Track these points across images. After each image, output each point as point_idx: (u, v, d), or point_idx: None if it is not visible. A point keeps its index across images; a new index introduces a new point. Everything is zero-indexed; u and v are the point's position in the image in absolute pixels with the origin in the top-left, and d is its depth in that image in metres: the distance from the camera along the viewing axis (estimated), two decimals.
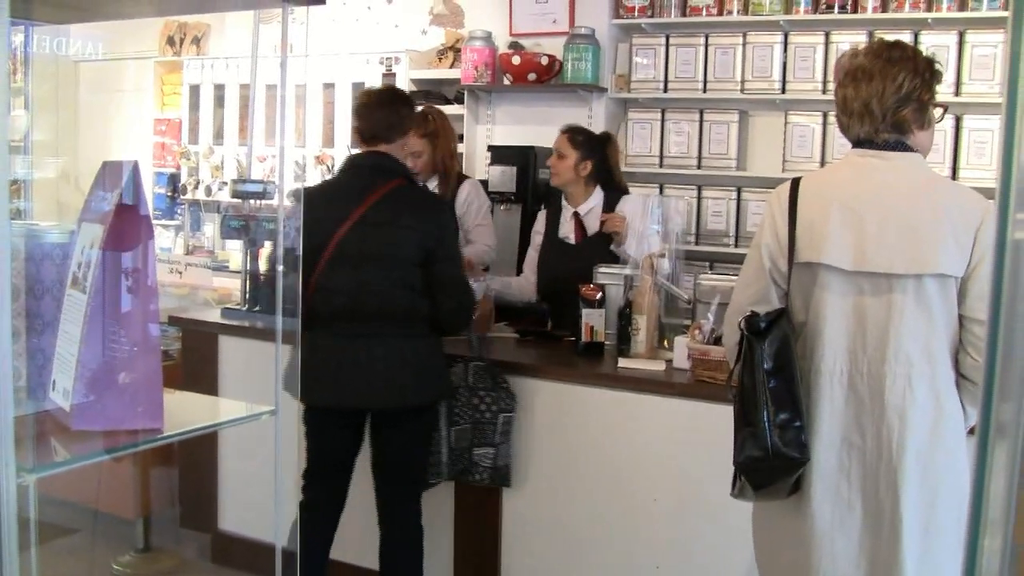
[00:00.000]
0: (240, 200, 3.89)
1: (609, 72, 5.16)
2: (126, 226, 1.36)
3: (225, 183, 5.97)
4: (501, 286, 3.99)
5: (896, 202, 2.13)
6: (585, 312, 3.41)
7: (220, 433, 3.53)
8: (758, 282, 2.25)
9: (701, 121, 4.99)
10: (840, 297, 2.15)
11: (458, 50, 5.45)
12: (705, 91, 4.96)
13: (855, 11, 4.67)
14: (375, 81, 5.34)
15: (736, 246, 4.87)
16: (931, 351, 2.11)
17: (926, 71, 2.16)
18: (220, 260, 5.83)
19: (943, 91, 2.74)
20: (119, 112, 6.71)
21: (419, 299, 3.00)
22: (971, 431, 2.18)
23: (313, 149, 5.76)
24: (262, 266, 3.87)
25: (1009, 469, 0.79)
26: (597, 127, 4.77)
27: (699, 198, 4.99)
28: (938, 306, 2.11)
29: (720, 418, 2.59)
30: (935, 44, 4.36)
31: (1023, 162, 0.78)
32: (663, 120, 5.06)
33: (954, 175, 4.43)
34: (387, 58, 5.55)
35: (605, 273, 3.60)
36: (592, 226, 3.92)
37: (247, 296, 4.00)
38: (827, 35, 4.68)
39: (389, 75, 5.50)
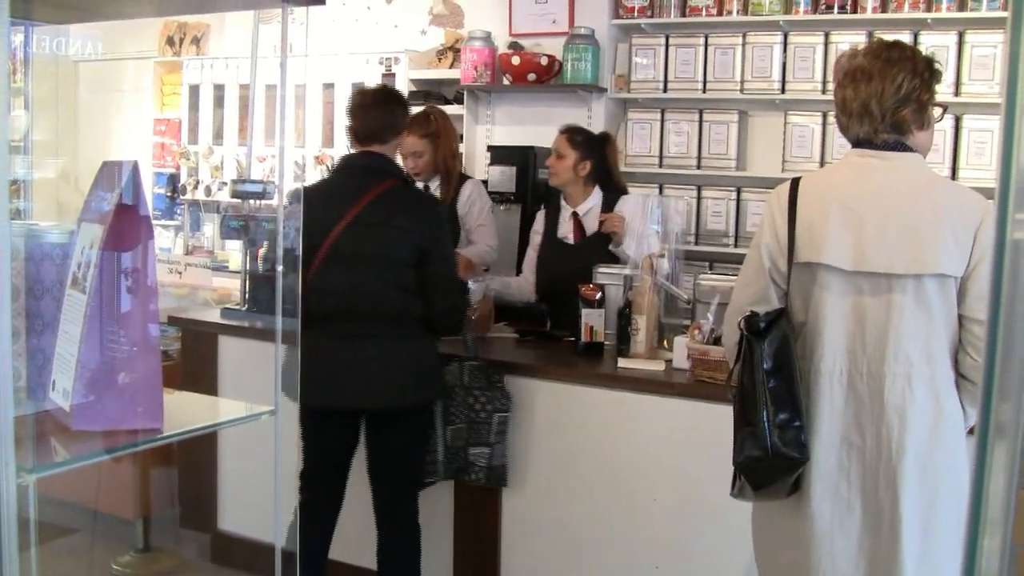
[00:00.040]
0: (240, 200, 3.89)
1: (609, 72, 5.16)
2: (126, 226, 1.36)
3: (225, 183, 5.97)
4: (501, 286, 3.99)
5: (896, 202, 2.13)
6: (585, 312, 3.41)
7: (220, 433, 3.53)
8: (757, 282, 2.25)
9: (701, 121, 4.99)
10: (840, 297, 2.15)
11: (458, 50, 5.45)
12: (705, 91, 4.96)
13: (855, 11, 4.67)
14: (375, 81, 5.34)
15: (736, 246, 4.87)
16: (931, 351, 2.11)
17: (925, 71, 2.17)
18: (220, 260, 5.83)
19: (942, 91, 2.74)
20: (119, 112, 6.71)
21: (412, 300, 3.00)
22: (971, 431, 2.18)
23: (313, 149, 5.77)
24: (252, 264, 3.87)
25: (1008, 469, 0.79)
26: (597, 127, 4.77)
27: (699, 198, 4.99)
28: (938, 306, 2.11)
29: (720, 418, 2.59)
30: (934, 44, 4.36)
31: (1022, 162, 0.78)
32: (663, 120, 5.06)
33: (954, 175, 4.43)
34: (386, 58, 5.55)
35: (605, 273, 3.61)
36: (591, 226, 3.92)
37: (247, 296, 4.00)
38: (827, 35, 4.68)
39: (389, 75, 5.50)
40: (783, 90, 4.78)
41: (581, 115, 5.05)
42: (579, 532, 3.27)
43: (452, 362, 3.26)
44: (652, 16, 5.06)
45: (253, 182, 3.90)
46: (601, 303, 3.44)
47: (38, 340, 1.46)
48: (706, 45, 4.93)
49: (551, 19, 5.23)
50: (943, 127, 4.32)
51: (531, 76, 5.11)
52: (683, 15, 5.00)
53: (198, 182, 6.22)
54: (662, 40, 5.01)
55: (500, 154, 5.01)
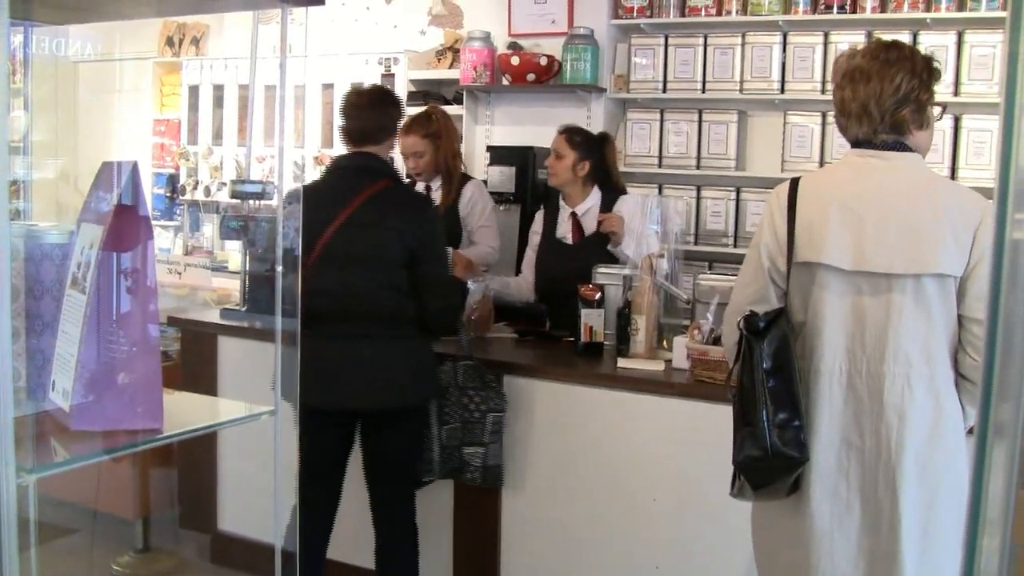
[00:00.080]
0: (239, 200, 3.89)
1: (608, 72, 5.16)
2: (125, 227, 1.36)
3: (224, 184, 5.98)
4: (500, 286, 3.99)
5: (895, 202, 2.13)
6: (584, 312, 3.41)
7: (219, 433, 3.53)
8: (757, 282, 2.25)
9: (700, 121, 4.99)
10: (839, 297, 2.15)
11: (457, 50, 5.45)
12: (704, 91, 4.96)
13: (854, 11, 4.67)
14: (375, 82, 5.34)
15: (735, 246, 4.88)
16: (930, 351, 2.11)
17: (924, 71, 2.17)
18: (219, 261, 5.84)
19: (942, 91, 2.74)
20: (118, 113, 6.71)
21: (405, 300, 3.00)
22: (970, 431, 2.18)
23: (312, 149, 5.77)
24: (252, 265, 3.87)
25: (1008, 469, 0.79)
26: (596, 127, 4.77)
27: (698, 198, 4.99)
28: (937, 306, 2.11)
29: (719, 418, 2.59)
30: (934, 44, 4.36)
31: (1022, 162, 0.78)
32: (662, 120, 5.06)
33: (953, 175, 4.43)
34: (386, 58, 5.55)
35: (604, 273, 3.61)
36: (589, 226, 3.92)
37: (246, 296, 4.00)
38: (826, 35, 4.68)
39: (388, 75, 5.50)
40: (782, 90, 4.79)
41: (580, 115, 5.05)
42: (579, 532, 3.27)
43: (446, 362, 3.26)
44: (651, 16, 5.07)
45: (252, 182, 3.90)
46: (601, 303, 3.44)
47: (38, 340, 1.46)
48: (705, 45, 4.93)
49: (550, 19, 5.23)
50: (942, 127, 4.32)
51: (530, 76, 5.11)
52: (682, 15, 5.00)
53: (197, 182, 6.22)
54: (661, 40, 5.01)
55: (499, 154, 5.01)
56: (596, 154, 3.94)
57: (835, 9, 4.68)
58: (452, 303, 3.16)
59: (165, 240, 6.46)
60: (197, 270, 4.50)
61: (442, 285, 3.09)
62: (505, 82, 5.23)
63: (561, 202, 4.01)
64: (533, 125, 5.21)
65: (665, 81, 5.01)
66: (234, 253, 5.68)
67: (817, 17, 4.73)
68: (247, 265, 3.93)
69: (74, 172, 4.40)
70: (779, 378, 2.12)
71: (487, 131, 5.44)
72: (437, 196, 4.16)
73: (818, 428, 2.14)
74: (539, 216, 4.14)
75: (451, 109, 5.13)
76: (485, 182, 4.65)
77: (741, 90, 4.87)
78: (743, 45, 4.84)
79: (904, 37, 4.29)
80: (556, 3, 5.21)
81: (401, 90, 5.46)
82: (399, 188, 3.18)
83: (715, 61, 4.91)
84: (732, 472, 2.21)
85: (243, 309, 4.00)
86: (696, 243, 4.95)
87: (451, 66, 5.50)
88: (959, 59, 4.43)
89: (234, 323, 3.92)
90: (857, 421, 2.13)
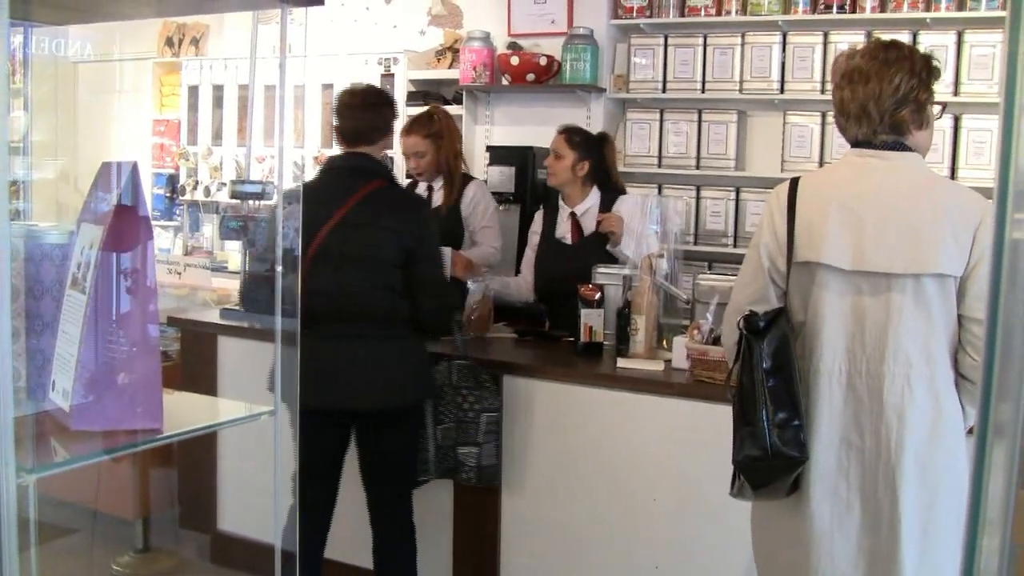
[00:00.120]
0: (239, 201, 3.89)
1: (608, 72, 5.16)
2: (125, 227, 1.36)
3: (224, 184, 5.98)
4: (500, 286, 3.99)
5: (895, 202, 2.13)
6: (584, 312, 3.41)
7: (219, 433, 3.54)
8: (757, 282, 2.25)
9: (700, 121, 4.99)
10: (839, 297, 2.15)
11: (456, 50, 5.45)
12: (704, 91, 4.96)
13: (853, 11, 4.67)
14: (374, 82, 5.34)
15: (735, 246, 4.88)
16: (930, 351, 2.11)
17: (923, 71, 2.16)
18: (219, 261, 5.84)
19: (941, 91, 2.74)
20: (118, 113, 6.71)
21: (399, 300, 3.00)
22: (970, 431, 2.18)
23: (312, 150, 5.77)
24: (251, 265, 3.87)
25: (1007, 469, 0.79)
26: (596, 127, 4.77)
27: (698, 198, 4.99)
28: (937, 306, 2.11)
29: (719, 418, 2.59)
30: (933, 44, 4.36)
31: (1021, 162, 0.78)
32: (662, 120, 5.06)
33: (953, 175, 4.43)
34: (385, 59, 5.55)
35: (604, 273, 3.60)
36: (589, 226, 3.92)
37: (243, 296, 4.00)
38: (825, 35, 4.68)
39: (388, 76, 5.50)
40: (782, 90, 4.79)
41: (580, 115, 5.05)
42: (579, 532, 3.27)
43: (441, 361, 3.26)
44: (651, 16, 5.07)
45: (252, 183, 3.90)
46: (600, 303, 3.44)
47: (38, 340, 1.46)
48: (705, 45, 4.93)
49: (550, 19, 5.23)
50: (942, 127, 4.32)
51: (530, 76, 5.11)
52: (682, 15, 5.00)
53: (197, 183, 6.22)
54: (661, 40, 5.01)
55: (499, 154, 5.01)
56: (595, 154, 3.94)
57: (835, 9, 4.68)
58: (446, 303, 3.15)
59: (165, 240, 6.46)
60: (197, 270, 4.50)
61: (436, 285, 3.09)
62: (505, 82, 5.23)
63: (560, 202, 4.01)
64: (533, 125, 5.21)
65: (665, 81, 5.01)
66: (234, 253, 5.68)
67: (817, 17, 4.73)
68: (246, 265, 3.94)
69: (74, 172, 4.40)
70: (779, 378, 2.12)
71: (487, 131, 5.44)
72: (439, 196, 4.16)
73: (818, 428, 2.14)
74: (538, 216, 4.14)
75: (451, 109, 5.13)
76: (485, 182, 4.64)
77: (741, 90, 4.87)
78: (743, 45, 4.84)
79: (904, 37, 4.29)
80: (556, 3, 5.21)
81: (401, 90, 5.46)
82: (393, 188, 3.19)
83: (715, 61, 4.91)
84: (732, 472, 2.21)
85: (243, 309, 3.99)
86: (696, 243, 4.95)
87: (451, 66, 5.50)
88: (959, 59, 4.43)
89: (234, 323, 3.93)
90: (857, 421, 2.13)
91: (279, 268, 1.59)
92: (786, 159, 4.79)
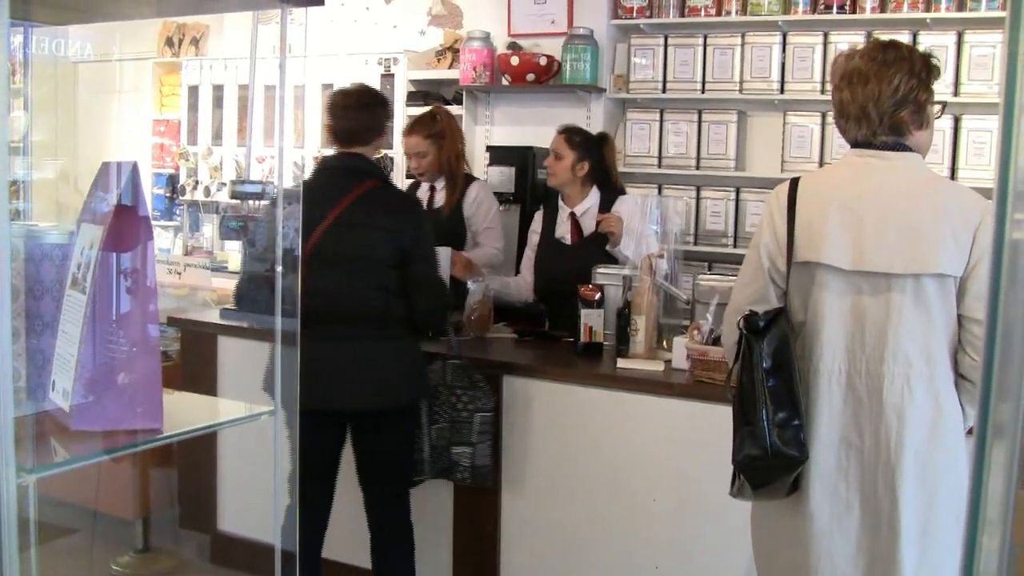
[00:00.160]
0: (239, 201, 3.89)
1: (608, 72, 5.16)
2: (125, 227, 1.36)
3: (224, 184, 5.98)
4: (500, 286, 3.99)
5: (895, 202, 2.13)
6: (584, 312, 3.41)
7: (219, 433, 3.54)
8: (757, 282, 2.25)
9: (700, 121, 4.99)
10: (839, 297, 2.15)
11: (456, 51, 5.45)
12: (704, 91, 4.96)
13: (853, 11, 4.67)
14: (374, 82, 5.34)
15: (735, 246, 4.88)
16: (930, 351, 2.11)
17: (922, 71, 2.16)
18: (219, 261, 5.84)
19: (941, 91, 2.74)
20: (118, 113, 6.71)
21: (394, 300, 3.00)
22: (970, 431, 2.18)
23: (312, 150, 5.77)
24: (249, 264, 3.87)
25: (1007, 469, 0.79)
26: (595, 127, 4.77)
27: (698, 198, 4.99)
28: (937, 306, 2.11)
29: (719, 418, 2.59)
30: (933, 44, 4.36)
31: (1021, 162, 0.78)
32: (661, 120, 5.06)
33: (953, 175, 4.43)
34: (385, 59, 5.55)
35: (604, 273, 3.60)
36: (588, 226, 3.92)
37: (239, 295, 4.00)
38: (825, 35, 4.68)
39: (388, 76, 5.50)
40: (782, 90, 4.79)
41: (580, 115, 5.05)
42: (579, 532, 3.27)
43: (435, 361, 3.26)
44: (651, 16, 5.07)
45: (252, 183, 3.91)
46: (600, 303, 3.44)
47: (38, 340, 1.46)
48: (705, 45, 4.93)
49: (550, 19, 5.23)
50: (942, 127, 4.32)
51: (530, 76, 5.11)
52: (682, 15, 5.00)
53: (197, 183, 6.22)
54: (661, 40, 5.01)
55: (499, 154, 5.01)
56: (595, 154, 3.94)
57: (835, 9, 4.68)
58: (441, 303, 3.15)
59: (165, 240, 6.46)
60: (197, 270, 4.50)
61: (431, 285, 3.09)
62: (505, 82, 5.23)
63: (560, 202, 4.01)
64: (532, 125, 5.21)
65: (665, 81, 5.01)
66: (234, 253, 5.68)
67: (817, 17, 4.73)
68: (246, 265, 3.94)
69: (74, 172, 4.40)
70: (779, 377, 2.12)
71: (487, 131, 5.44)
72: (441, 197, 4.16)
73: (817, 428, 2.14)
74: (538, 216, 4.14)
75: (451, 109, 5.13)
76: (486, 182, 4.64)
77: (741, 90, 4.87)
78: (743, 45, 4.84)
79: (904, 37, 4.29)
80: (556, 3, 5.21)
81: (401, 90, 5.46)
82: (387, 188, 3.19)
83: (715, 61, 4.91)
84: (732, 472, 2.21)
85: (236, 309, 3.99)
86: (696, 243, 4.95)
87: (451, 66, 5.49)
88: (959, 59, 4.43)
89: (234, 323, 3.92)
90: (856, 421, 2.13)
91: (279, 268, 1.59)
92: (786, 159, 4.79)
